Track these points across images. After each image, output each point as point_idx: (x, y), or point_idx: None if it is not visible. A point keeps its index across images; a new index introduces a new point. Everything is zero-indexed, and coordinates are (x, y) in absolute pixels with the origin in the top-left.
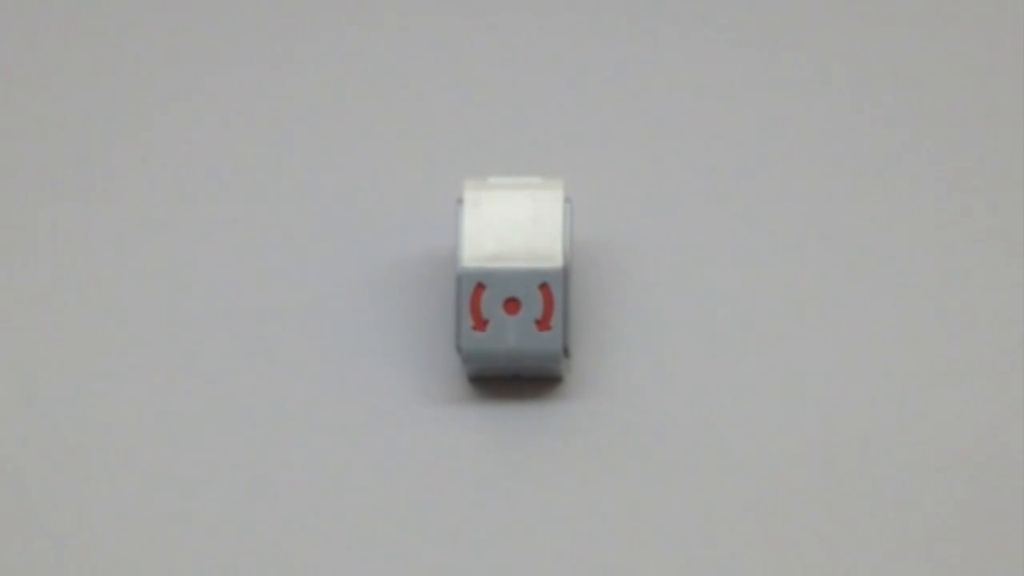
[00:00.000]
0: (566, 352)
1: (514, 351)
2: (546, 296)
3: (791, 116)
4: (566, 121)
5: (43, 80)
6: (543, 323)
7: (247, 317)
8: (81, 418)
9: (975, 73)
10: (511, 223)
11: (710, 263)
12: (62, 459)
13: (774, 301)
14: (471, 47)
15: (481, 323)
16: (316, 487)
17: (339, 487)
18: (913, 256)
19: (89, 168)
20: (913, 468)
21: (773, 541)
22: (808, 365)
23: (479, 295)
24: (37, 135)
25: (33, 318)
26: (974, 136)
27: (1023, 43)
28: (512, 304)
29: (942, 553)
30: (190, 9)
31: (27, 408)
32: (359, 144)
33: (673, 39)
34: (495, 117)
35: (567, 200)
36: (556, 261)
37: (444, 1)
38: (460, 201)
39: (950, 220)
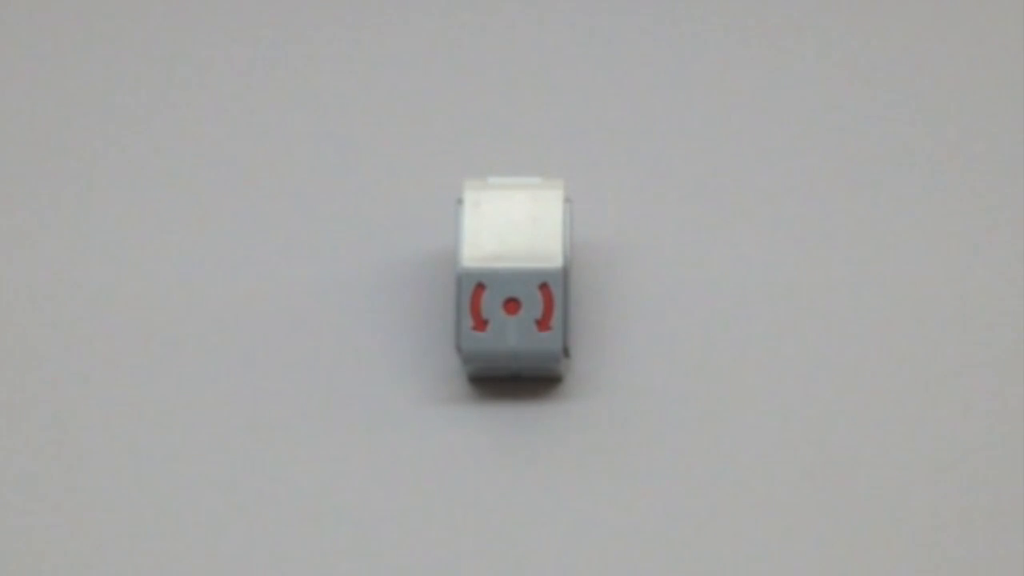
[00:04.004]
0: (566, 352)
1: (514, 351)
2: (546, 296)
3: (791, 116)
4: (566, 121)
5: (44, 81)
6: (543, 323)
7: (247, 317)
8: (80, 418)
9: (975, 73)
10: (511, 223)
11: (710, 263)
12: (61, 459)
13: (774, 301)
14: (471, 47)
15: (481, 323)
16: (316, 487)
17: (339, 487)
18: (913, 256)
19: (88, 168)
20: (913, 468)
21: (773, 540)
22: (808, 365)
23: (479, 295)
24: (38, 136)
25: (32, 317)
26: (974, 136)
27: (1023, 43)
28: (512, 304)
29: (942, 553)
30: (190, 9)
31: (27, 408)
32: (359, 144)
33: (673, 39)
34: (495, 117)
35: (567, 200)
36: (556, 261)
37: (444, 1)
38: (460, 201)
39: (950, 220)
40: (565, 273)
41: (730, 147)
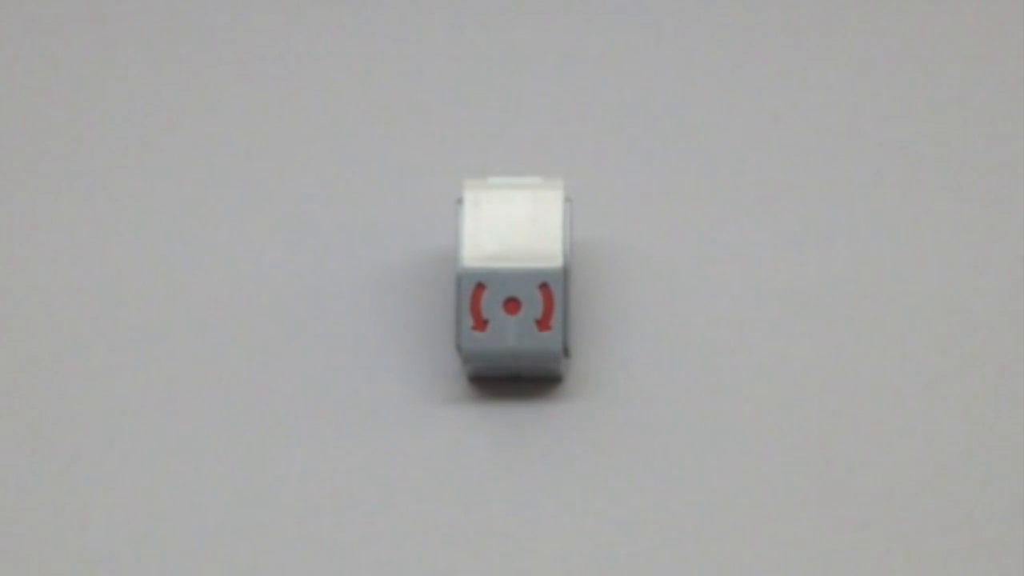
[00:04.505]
0: (566, 352)
1: (514, 351)
2: (546, 296)
3: (791, 116)
4: (566, 121)
5: (44, 82)
6: (543, 323)
7: (247, 317)
8: (80, 418)
9: (975, 73)
10: (511, 223)
11: (710, 263)
12: (61, 459)
13: (774, 301)
14: (471, 47)
15: (481, 323)
16: (316, 487)
17: (339, 487)
18: (913, 256)
19: (88, 168)
20: (913, 468)
21: (772, 540)
22: (808, 365)
23: (479, 295)
24: (38, 137)
25: (31, 318)
26: (974, 136)
27: (1023, 43)
28: (512, 304)
29: (941, 553)
30: (190, 9)
31: (27, 408)
32: (359, 144)
33: (673, 39)
34: (495, 117)
35: (567, 200)
36: (556, 261)
37: (444, 1)
38: (460, 201)
39: (950, 220)
40: (565, 273)
41: (730, 147)
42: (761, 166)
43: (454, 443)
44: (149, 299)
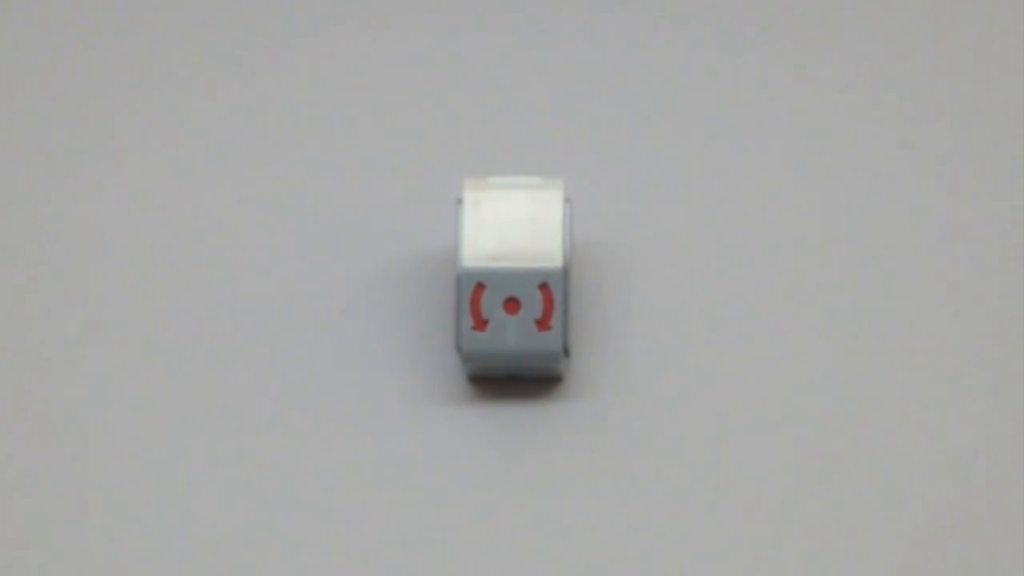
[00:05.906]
0: (566, 352)
1: (514, 351)
2: (546, 296)
3: (791, 116)
4: (566, 121)
5: (43, 82)
6: (543, 323)
7: (247, 317)
8: (80, 419)
9: (976, 72)
10: (511, 223)
11: (710, 263)
12: (62, 459)
13: (774, 301)
14: (471, 47)
15: (481, 323)
16: (316, 487)
17: (339, 487)
18: (913, 256)
19: (88, 167)
20: (913, 468)
21: (772, 541)
22: (808, 365)
23: (479, 295)
24: (37, 137)
25: (32, 318)
26: (974, 136)
27: (1023, 43)
28: (512, 304)
29: (942, 553)
30: (191, 8)
31: (27, 408)
32: (359, 144)
33: (673, 39)
34: (495, 117)
35: (567, 200)
36: (556, 261)
37: (444, 1)
38: (460, 201)
39: (950, 220)
40: (565, 273)
41: (730, 147)
42: (761, 166)
43: (454, 443)
44: (149, 299)
